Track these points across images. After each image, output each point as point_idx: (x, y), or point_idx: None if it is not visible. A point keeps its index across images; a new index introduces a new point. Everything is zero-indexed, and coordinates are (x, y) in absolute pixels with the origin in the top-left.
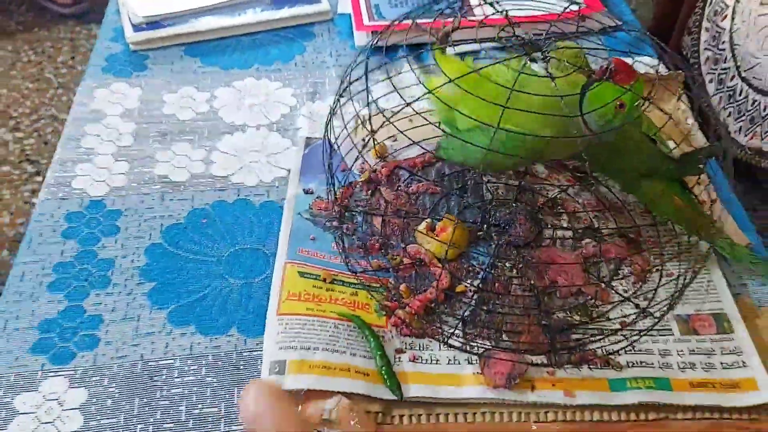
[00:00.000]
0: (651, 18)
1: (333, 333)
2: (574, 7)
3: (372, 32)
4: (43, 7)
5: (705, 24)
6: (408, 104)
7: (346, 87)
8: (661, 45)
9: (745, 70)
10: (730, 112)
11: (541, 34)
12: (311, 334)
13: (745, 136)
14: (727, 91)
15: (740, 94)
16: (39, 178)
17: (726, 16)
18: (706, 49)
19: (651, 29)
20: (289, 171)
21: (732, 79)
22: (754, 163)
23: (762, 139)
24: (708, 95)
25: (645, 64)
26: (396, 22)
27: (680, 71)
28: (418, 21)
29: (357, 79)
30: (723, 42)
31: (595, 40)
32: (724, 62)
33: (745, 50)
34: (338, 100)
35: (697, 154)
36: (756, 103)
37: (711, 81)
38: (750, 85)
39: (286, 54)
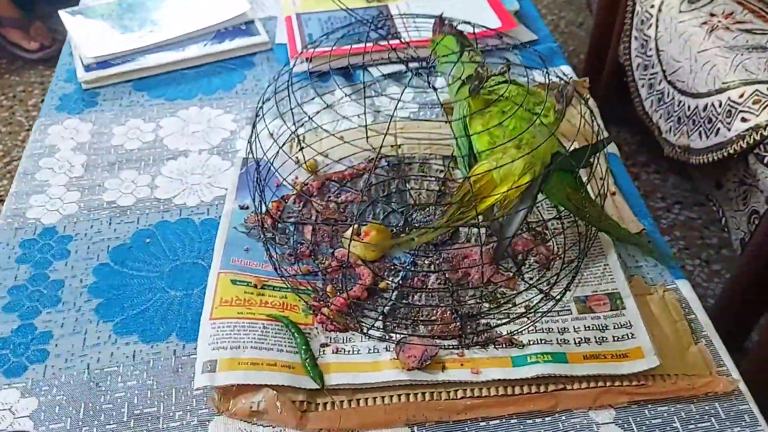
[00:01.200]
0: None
1: (262, 333)
2: (472, 29)
3: (306, 59)
4: (13, 54)
5: (634, 33)
6: (310, 118)
7: (261, 106)
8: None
9: (669, 74)
10: (660, 114)
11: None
12: (241, 334)
13: (674, 135)
14: (657, 94)
15: (668, 97)
16: None
17: (651, 25)
18: (636, 56)
19: (593, 39)
20: (228, 189)
21: (660, 83)
22: (684, 159)
23: (689, 137)
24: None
25: (558, 75)
26: (310, 49)
27: (585, 78)
28: (343, 47)
29: (268, 99)
30: (650, 49)
31: (514, 54)
32: (653, 68)
33: (669, 55)
34: (255, 117)
35: (584, 150)
36: (681, 104)
37: (643, 86)
38: (675, 88)
39: (228, 83)
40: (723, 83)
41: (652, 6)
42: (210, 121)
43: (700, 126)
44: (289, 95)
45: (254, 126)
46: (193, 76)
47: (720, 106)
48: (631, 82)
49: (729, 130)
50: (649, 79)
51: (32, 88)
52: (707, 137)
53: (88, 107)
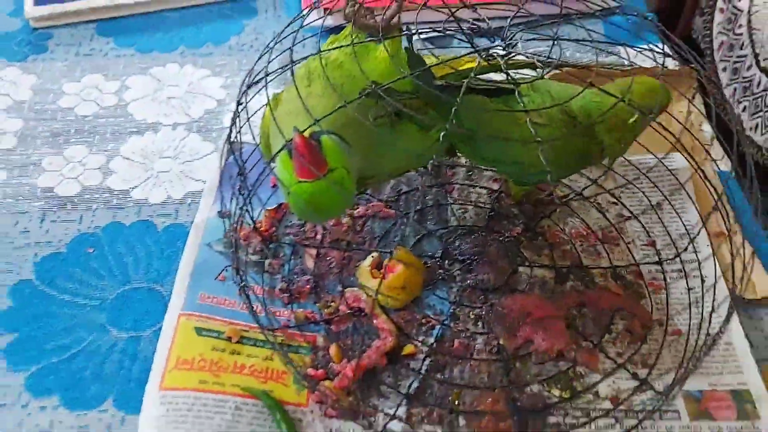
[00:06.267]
0: None
1: (233, 417)
2: None
3: (324, 10)
4: None
5: (720, 4)
6: (345, 104)
7: (253, 78)
8: (668, 34)
9: (764, 59)
10: (745, 107)
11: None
12: (203, 417)
13: (763, 134)
14: (743, 81)
15: (758, 86)
16: None
17: None
18: (720, 33)
19: (657, 8)
20: (205, 184)
21: (749, 69)
22: None
23: None
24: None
25: (649, 56)
26: None
27: (693, 66)
28: None
29: (281, 68)
30: (740, 26)
31: (589, 25)
32: (741, 48)
33: (766, 36)
34: (245, 93)
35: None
36: None
37: (725, 69)
38: None
39: (221, 34)
40: None
41: None
42: (192, 85)
43: None
44: (291, 62)
45: (239, 103)
46: (176, 22)
47: None
48: (709, 63)
49: None
50: (735, 62)
51: None
52: None
53: (34, 53)
